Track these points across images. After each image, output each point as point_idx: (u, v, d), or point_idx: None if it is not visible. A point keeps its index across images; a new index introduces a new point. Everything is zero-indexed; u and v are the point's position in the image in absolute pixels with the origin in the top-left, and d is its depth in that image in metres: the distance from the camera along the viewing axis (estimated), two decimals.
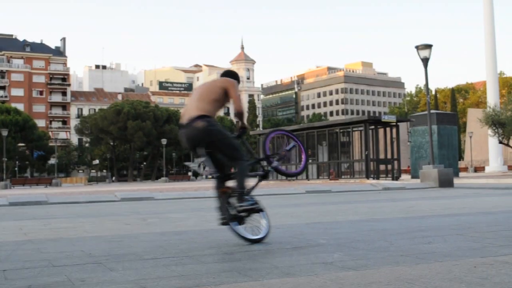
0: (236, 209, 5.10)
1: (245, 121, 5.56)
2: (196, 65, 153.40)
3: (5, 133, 53.77)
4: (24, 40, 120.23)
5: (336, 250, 4.64)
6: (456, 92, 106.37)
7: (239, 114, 5.46)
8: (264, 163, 5.64)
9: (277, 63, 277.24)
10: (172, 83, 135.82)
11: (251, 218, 5.26)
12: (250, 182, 5.28)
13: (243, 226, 5.18)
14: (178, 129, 5.47)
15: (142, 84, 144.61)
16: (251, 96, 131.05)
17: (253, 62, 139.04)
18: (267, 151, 5.53)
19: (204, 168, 5.28)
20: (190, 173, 69.31)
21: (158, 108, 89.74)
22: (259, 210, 5.27)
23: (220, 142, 5.19)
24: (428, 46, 20.97)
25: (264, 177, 5.62)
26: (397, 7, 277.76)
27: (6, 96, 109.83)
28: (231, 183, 5.28)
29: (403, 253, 4.37)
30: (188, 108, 5.35)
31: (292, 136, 5.92)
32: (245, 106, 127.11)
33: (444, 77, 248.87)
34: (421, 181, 20.67)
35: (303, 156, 6.05)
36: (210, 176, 5.35)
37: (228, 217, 5.09)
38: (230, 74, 5.63)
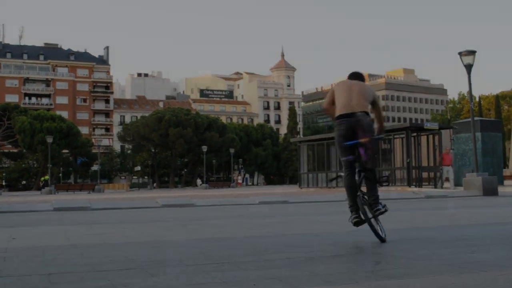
0: (372, 212, 5.69)
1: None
2: (237, 73, 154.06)
3: (50, 140, 54.93)
4: (69, 49, 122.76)
5: (377, 258, 4.59)
6: (500, 99, 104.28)
7: (383, 128, 6.22)
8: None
9: (317, 70, 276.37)
10: (212, 90, 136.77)
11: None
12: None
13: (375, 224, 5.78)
14: (337, 118, 5.73)
15: (183, 91, 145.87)
16: (291, 103, 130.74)
17: (293, 69, 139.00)
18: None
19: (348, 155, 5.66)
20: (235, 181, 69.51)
21: (199, 115, 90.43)
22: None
23: (371, 142, 5.63)
24: (472, 52, 20.47)
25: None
26: (439, 13, 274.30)
27: (51, 104, 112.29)
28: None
29: (446, 262, 4.30)
30: (349, 101, 5.69)
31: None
32: (285, 113, 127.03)
33: (488, 83, 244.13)
34: (465, 189, 20.29)
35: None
36: (348, 160, 5.69)
37: (366, 217, 5.65)
38: (361, 78, 6.07)
